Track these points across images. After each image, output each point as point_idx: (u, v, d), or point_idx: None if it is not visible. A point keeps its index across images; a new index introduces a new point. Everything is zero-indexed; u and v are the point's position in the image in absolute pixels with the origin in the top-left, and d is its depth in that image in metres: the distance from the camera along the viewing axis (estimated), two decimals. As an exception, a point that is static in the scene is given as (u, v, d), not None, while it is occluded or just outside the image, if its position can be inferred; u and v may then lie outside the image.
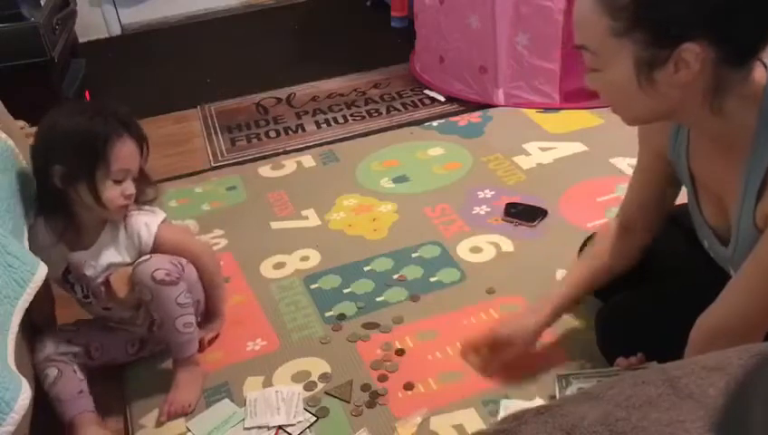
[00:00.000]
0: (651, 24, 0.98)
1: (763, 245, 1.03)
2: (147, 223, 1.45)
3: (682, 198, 1.30)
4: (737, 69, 1.00)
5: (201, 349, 1.53)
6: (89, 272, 1.43)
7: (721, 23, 0.96)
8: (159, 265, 1.40)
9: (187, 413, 1.42)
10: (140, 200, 1.45)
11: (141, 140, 1.41)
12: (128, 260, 1.44)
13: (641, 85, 1.02)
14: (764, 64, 1.02)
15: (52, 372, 1.40)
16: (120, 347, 1.54)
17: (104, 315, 1.52)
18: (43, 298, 1.47)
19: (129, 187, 1.39)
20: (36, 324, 1.49)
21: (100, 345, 1.50)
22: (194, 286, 1.51)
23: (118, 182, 1.37)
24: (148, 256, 1.42)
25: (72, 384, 1.41)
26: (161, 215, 1.48)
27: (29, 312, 1.22)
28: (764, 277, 1.04)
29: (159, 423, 1.42)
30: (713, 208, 1.18)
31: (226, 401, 1.45)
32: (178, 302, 1.42)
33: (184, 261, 1.48)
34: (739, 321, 1.07)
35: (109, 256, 1.43)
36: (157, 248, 1.45)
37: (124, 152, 1.36)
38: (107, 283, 1.44)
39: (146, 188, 1.46)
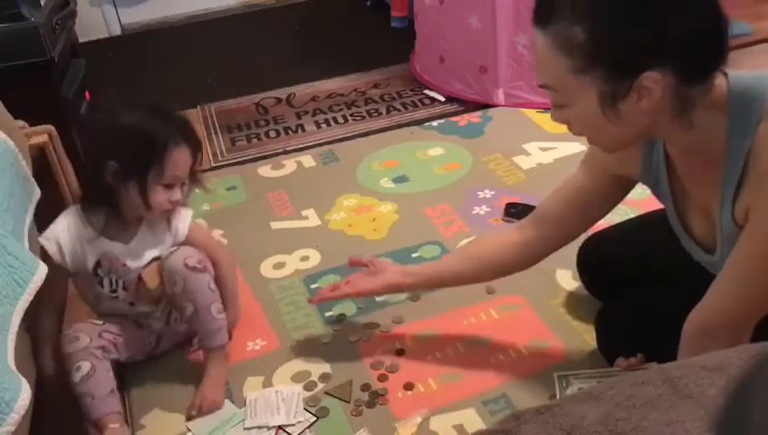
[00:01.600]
0: (609, 61, 0.98)
1: (744, 239, 1.04)
2: (183, 216, 1.48)
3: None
4: (699, 85, 1.01)
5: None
6: (129, 263, 1.43)
7: (677, 49, 0.97)
8: (190, 254, 1.43)
9: (213, 409, 1.42)
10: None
11: (197, 148, 1.41)
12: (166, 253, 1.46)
13: (608, 117, 1.03)
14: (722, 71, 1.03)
15: (85, 366, 1.38)
16: (142, 343, 1.54)
17: (125, 311, 1.51)
18: (55, 299, 1.48)
19: (177, 193, 1.40)
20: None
21: (123, 341, 1.49)
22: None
23: (167, 187, 1.38)
24: (176, 248, 1.45)
25: (105, 382, 1.40)
26: (190, 210, 1.51)
27: (28, 314, 1.22)
28: (747, 271, 1.05)
29: (161, 424, 1.42)
30: (699, 219, 1.19)
31: (226, 401, 1.45)
32: (211, 287, 1.44)
33: (207, 258, 1.50)
34: (728, 313, 1.08)
35: (152, 252, 1.45)
36: (186, 242, 1.48)
37: (179, 160, 1.37)
38: (139, 276, 1.45)
39: (191, 190, 1.47)
